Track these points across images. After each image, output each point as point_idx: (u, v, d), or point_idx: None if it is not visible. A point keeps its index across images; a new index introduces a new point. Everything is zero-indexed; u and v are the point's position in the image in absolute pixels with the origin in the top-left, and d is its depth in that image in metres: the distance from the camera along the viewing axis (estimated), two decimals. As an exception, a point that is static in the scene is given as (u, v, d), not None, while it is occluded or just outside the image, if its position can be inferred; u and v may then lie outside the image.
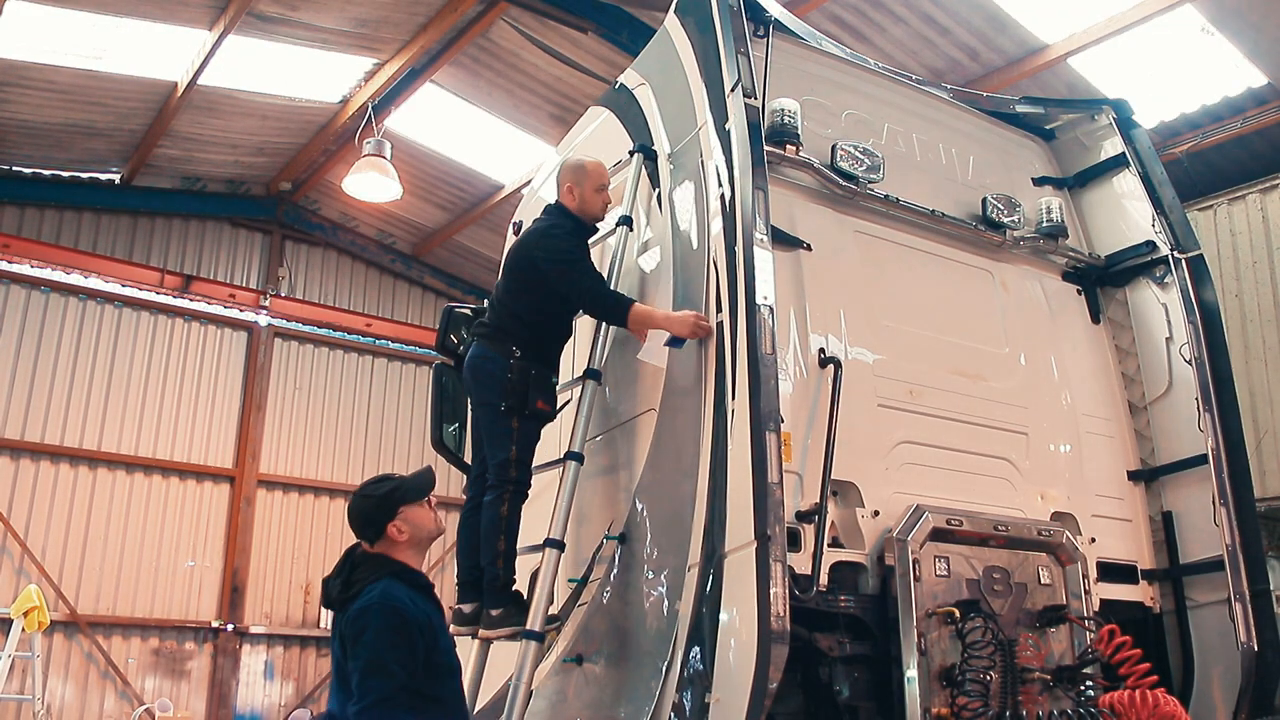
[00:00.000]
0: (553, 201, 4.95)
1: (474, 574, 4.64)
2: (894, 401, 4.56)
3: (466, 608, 4.66)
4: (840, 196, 4.81)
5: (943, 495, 4.43)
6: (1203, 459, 4.93)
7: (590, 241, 5.24)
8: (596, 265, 5.09)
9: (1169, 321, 5.26)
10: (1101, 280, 5.59)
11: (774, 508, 3.64)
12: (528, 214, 6.51)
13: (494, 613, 4.43)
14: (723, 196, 4.20)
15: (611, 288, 4.71)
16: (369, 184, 11.91)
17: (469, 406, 5.17)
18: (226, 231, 14.58)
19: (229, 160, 13.44)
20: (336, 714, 3.38)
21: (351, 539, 3.64)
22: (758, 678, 3.51)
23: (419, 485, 3.65)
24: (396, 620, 3.29)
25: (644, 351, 4.39)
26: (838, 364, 4.30)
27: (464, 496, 5.19)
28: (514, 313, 4.75)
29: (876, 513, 4.27)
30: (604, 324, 4.73)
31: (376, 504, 3.56)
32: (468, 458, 5.93)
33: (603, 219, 4.95)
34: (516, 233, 6.53)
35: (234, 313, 14.20)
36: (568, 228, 4.77)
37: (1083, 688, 4.28)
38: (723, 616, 3.75)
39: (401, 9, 10.18)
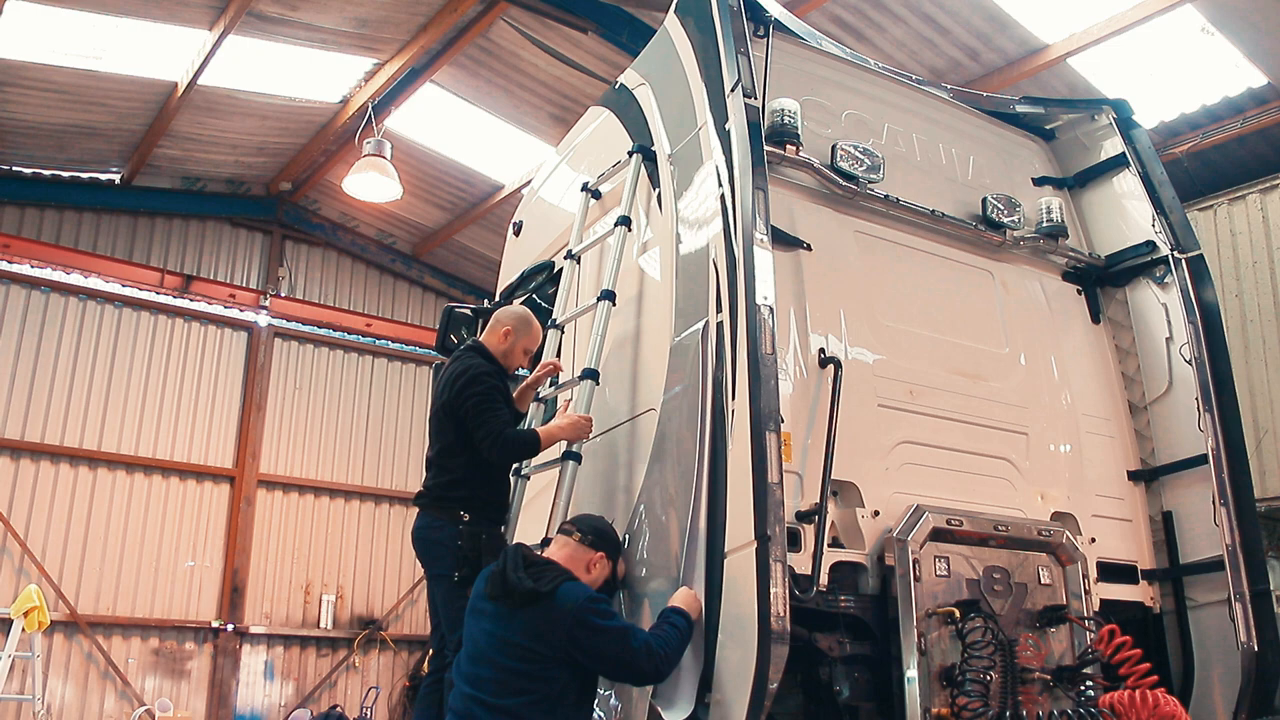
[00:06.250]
0: (477, 339, 4.80)
1: None
2: (894, 401, 4.56)
3: None
4: (840, 196, 4.81)
5: (943, 495, 4.43)
6: (1203, 459, 4.93)
7: (587, 242, 5.24)
8: (596, 265, 5.09)
9: (1169, 321, 5.26)
10: (1101, 280, 5.59)
11: (774, 508, 3.64)
12: (528, 214, 6.52)
13: None
14: (723, 196, 4.19)
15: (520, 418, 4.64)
16: (369, 184, 11.91)
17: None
18: (226, 231, 14.57)
19: (229, 160, 13.44)
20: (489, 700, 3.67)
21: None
22: (758, 678, 3.51)
23: None
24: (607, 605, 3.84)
25: None
26: (838, 364, 4.30)
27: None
28: (453, 474, 4.45)
29: (876, 513, 4.27)
30: (602, 323, 4.71)
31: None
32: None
33: (514, 371, 4.76)
34: (516, 233, 6.53)
35: (234, 313, 14.21)
36: (485, 369, 4.51)
37: (1083, 688, 4.28)
38: (723, 616, 3.75)
39: (401, 9, 10.17)
